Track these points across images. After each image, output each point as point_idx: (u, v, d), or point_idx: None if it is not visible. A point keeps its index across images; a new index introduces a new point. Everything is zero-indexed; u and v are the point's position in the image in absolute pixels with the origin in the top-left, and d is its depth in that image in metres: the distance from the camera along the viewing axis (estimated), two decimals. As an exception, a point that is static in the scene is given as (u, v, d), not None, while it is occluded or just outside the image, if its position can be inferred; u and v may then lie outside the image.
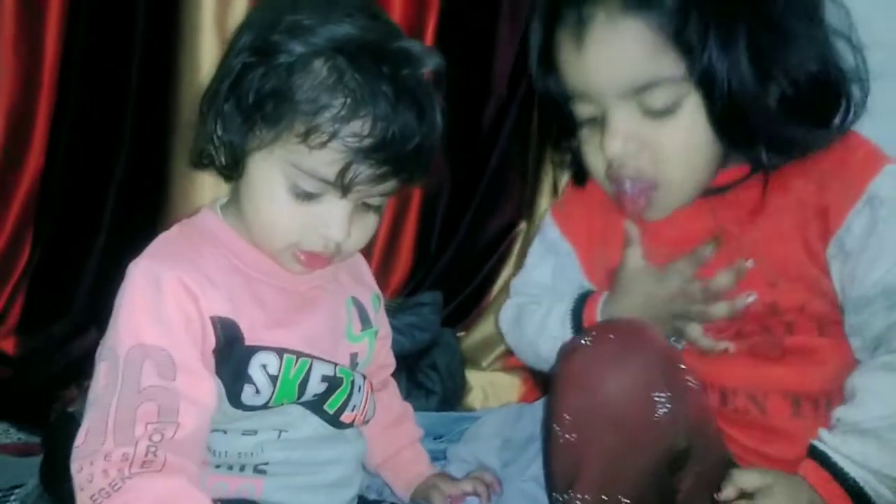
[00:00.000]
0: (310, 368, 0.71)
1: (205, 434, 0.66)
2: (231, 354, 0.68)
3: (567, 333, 0.83)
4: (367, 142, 0.64)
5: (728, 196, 0.78)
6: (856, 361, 0.74)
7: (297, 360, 0.70)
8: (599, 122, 0.76)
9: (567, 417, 0.70)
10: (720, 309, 0.78)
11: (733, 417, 0.78)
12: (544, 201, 1.34)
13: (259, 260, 0.71)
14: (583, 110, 0.77)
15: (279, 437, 0.71)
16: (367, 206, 0.69)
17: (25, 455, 1.09)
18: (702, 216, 0.79)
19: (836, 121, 0.75)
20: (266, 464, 0.71)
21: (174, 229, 0.73)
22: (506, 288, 1.36)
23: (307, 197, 0.66)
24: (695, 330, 0.78)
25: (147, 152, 1.30)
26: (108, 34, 1.25)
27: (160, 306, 0.65)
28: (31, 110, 1.29)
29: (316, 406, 0.73)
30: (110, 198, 1.31)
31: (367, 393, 0.77)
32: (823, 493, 0.67)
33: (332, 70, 0.64)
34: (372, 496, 0.87)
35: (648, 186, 0.76)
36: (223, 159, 0.68)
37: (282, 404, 0.71)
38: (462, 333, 1.36)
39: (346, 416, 0.74)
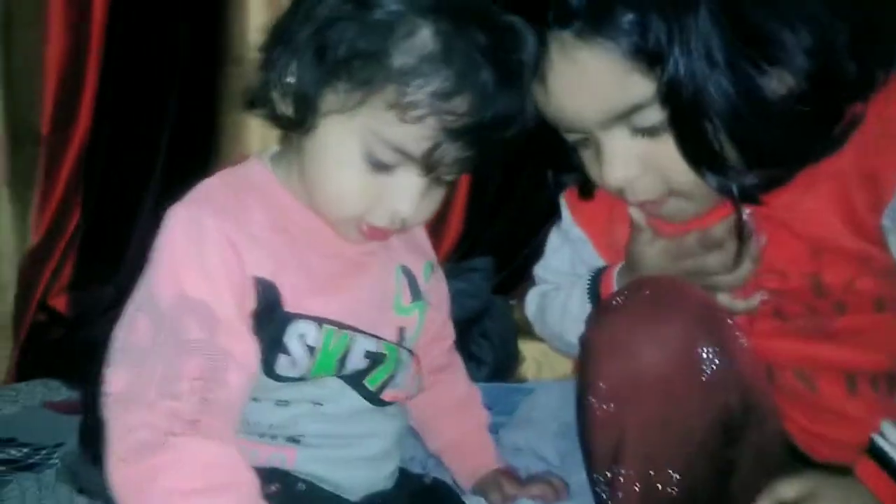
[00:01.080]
0: (351, 342, 0.67)
1: (246, 396, 0.62)
2: (268, 320, 0.64)
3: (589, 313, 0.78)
4: (465, 121, 0.59)
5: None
6: None
7: (337, 332, 0.66)
8: (594, 144, 0.69)
9: (602, 386, 0.65)
10: (737, 306, 0.71)
11: (782, 393, 0.72)
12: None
13: (309, 221, 0.66)
14: (571, 137, 0.70)
15: (314, 409, 0.68)
16: (439, 181, 0.64)
17: (74, 413, 1.09)
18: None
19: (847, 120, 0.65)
20: (301, 435, 0.67)
21: (216, 178, 0.68)
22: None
23: (382, 167, 0.62)
24: (724, 298, 0.71)
25: (195, 115, 1.29)
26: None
27: (203, 256, 0.61)
28: (81, 67, 1.29)
29: (355, 381, 0.68)
30: (160, 157, 1.31)
31: (415, 370, 0.73)
32: (883, 497, 0.60)
33: (437, 37, 0.58)
34: (416, 469, 0.83)
35: (665, 200, 0.69)
36: (289, 111, 0.63)
37: (319, 376, 0.67)
38: (515, 301, 1.31)
39: (387, 395, 0.70)
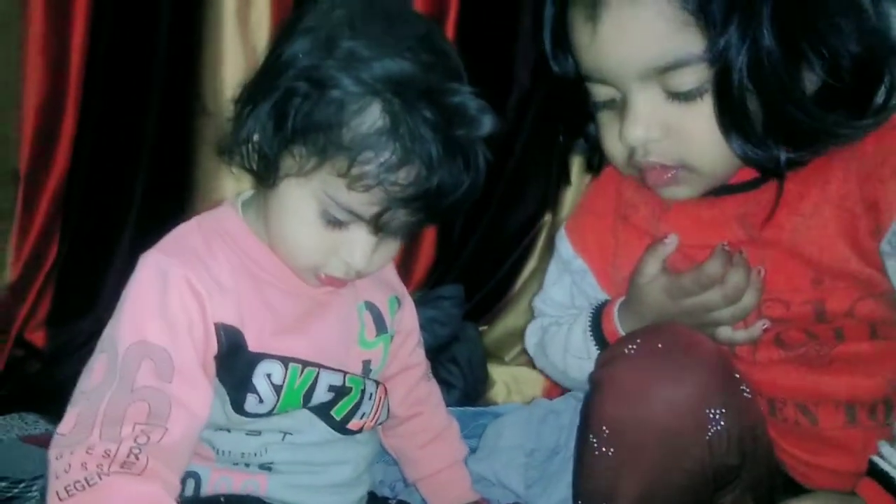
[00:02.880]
0: (316, 378, 0.70)
1: (192, 443, 0.65)
2: (234, 362, 0.67)
3: (592, 351, 0.79)
4: (410, 191, 0.63)
5: (756, 194, 0.72)
6: None
7: (302, 370, 0.69)
8: (619, 106, 0.69)
9: (606, 430, 0.66)
10: (739, 336, 0.72)
11: (783, 427, 0.74)
12: (570, 193, 1.31)
13: (274, 264, 0.70)
14: (600, 93, 0.70)
15: (284, 439, 0.71)
16: (393, 236, 0.68)
17: (52, 447, 1.10)
18: (728, 223, 0.73)
19: (879, 103, 0.66)
20: (272, 462, 0.70)
21: (192, 223, 0.72)
22: (531, 281, 1.34)
23: (336, 224, 0.66)
24: (724, 332, 0.73)
25: (172, 149, 1.31)
26: (133, 31, 1.27)
27: (166, 304, 0.64)
28: (59, 108, 1.30)
29: (322, 411, 0.72)
30: (136, 194, 1.32)
31: (380, 399, 0.76)
32: None
33: (386, 115, 0.62)
34: (385, 492, 0.87)
35: (675, 170, 0.70)
36: (255, 167, 0.67)
37: (286, 411, 0.70)
38: (485, 327, 1.34)
39: (353, 424, 0.73)
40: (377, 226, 0.65)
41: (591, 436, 0.67)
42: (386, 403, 0.77)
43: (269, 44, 0.68)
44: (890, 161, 0.67)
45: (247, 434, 0.70)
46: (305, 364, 0.69)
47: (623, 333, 0.76)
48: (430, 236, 1.36)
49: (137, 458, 0.59)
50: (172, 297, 0.64)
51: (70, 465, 0.59)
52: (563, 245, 0.85)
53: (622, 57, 0.67)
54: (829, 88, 0.65)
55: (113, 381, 0.62)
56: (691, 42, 0.65)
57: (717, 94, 0.66)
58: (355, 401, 0.73)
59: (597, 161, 0.82)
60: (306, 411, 0.71)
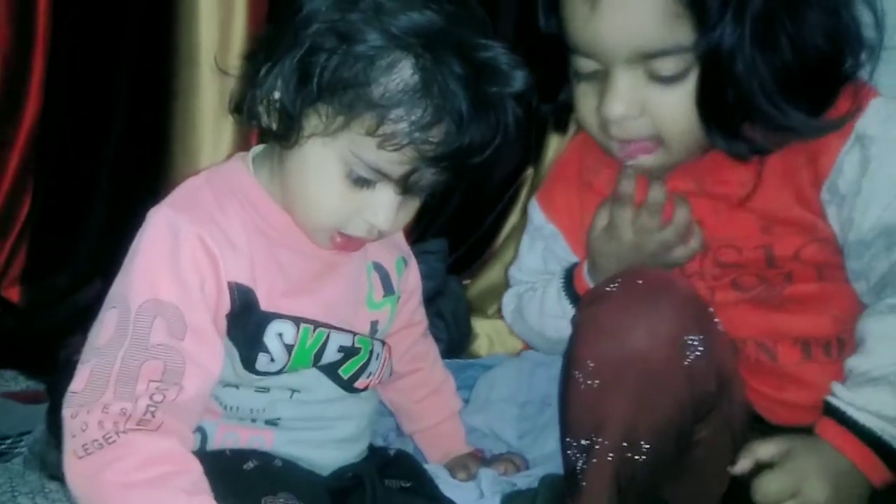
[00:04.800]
0: (327, 338, 0.70)
1: (205, 399, 0.65)
2: (246, 320, 0.67)
3: (567, 308, 0.82)
4: (440, 150, 0.62)
5: (709, 157, 0.74)
6: (863, 304, 0.73)
7: (314, 330, 0.69)
8: (599, 78, 0.71)
9: (590, 364, 0.68)
10: (680, 252, 0.76)
11: (746, 365, 0.78)
12: (552, 146, 1.31)
13: (286, 224, 0.69)
14: (584, 65, 0.72)
15: (291, 396, 0.71)
16: (417, 194, 0.67)
17: (33, 402, 1.09)
18: (682, 178, 0.76)
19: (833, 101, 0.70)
20: (279, 418, 0.71)
21: (201, 178, 0.70)
22: (512, 236, 1.36)
23: (362, 183, 0.64)
24: (678, 252, 0.77)
25: (147, 101, 1.28)
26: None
27: (178, 261, 0.63)
28: (27, 59, 1.26)
29: (330, 370, 0.72)
30: (111, 148, 1.30)
31: (386, 359, 0.77)
32: (844, 449, 0.66)
33: (416, 70, 0.60)
34: (378, 442, 0.88)
35: (645, 141, 0.73)
36: (275, 125, 0.65)
37: (296, 370, 0.70)
38: (468, 281, 1.35)
39: (360, 383, 0.74)
40: (405, 186, 0.64)
41: (576, 372, 0.69)
42: (390, 363, 0.78)
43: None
44: (829, 116, 0.70)
45: (255, 391, 0.70)
46: (316, 324, 0.69)
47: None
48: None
49: (154, 416, 0.60)
50: (184, 255, 0.63)
51: (87, 424, 0.59)
52: (535, 213, 0.88)
53: (616, 38, 0.68)
54: (791, 81, 0.68)
55: (125, 338, 0.61)
56: (682, 33, 0.67)
57: (700, 85, 0.68)
58: (363, 360, 0.73)
59: (565, 124, 0.83)
60: (314, 370, 0.71)
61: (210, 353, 0.64)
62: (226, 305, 0.66)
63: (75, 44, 1.25)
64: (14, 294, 1.32)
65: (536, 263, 0.89)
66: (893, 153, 0.70)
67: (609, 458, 0.68)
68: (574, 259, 0.86)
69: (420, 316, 0.87)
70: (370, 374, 0.74)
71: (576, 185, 0.84)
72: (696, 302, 0.72)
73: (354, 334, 0.73)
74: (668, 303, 0.68)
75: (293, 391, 0.71)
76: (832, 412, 0.68)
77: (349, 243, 0.69)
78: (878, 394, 0.66)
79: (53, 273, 1.32)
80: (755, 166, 0.73)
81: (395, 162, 0.62)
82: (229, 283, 0.65)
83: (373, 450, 0.79)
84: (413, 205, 0.69)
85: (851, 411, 0.66)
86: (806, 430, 0.69)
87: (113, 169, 1.30)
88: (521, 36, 1.18)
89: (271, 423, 0.71)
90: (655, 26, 0.67)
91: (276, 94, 0.63)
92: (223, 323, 0.66)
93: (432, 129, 0.61)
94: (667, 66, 0.68)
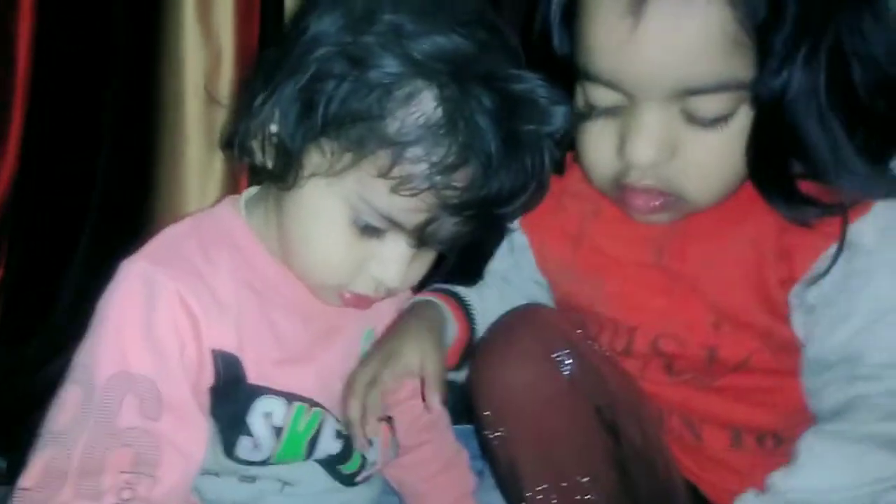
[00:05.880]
0: (322, 422, 0.62)
1: (185, 492, 0.56)
2: (230, 396, 0.59)
3: None
4: (464, 197, 0.54)
5: (673, 224, 0.65)
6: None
7: (309, 409, 0.61)
8: (622, 115, 0.60)
9: (488, 415, 0.64)
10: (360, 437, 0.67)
11: (670, 437, 0.71)
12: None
13: (282, 279, 0.61)
14: (602, 97, 0.60)
15: (282, 489, 0.63)
16: (434, 247, 0.60)
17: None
18: (644, 245, 0.68)
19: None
20: (266, 509, 0.63)
21: (185, 224, 0.62)
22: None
23: (370, 232, 0.57)
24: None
25: (129, 158, 1.24)
26: (85, 32, 1.18)
27: (153, 325, 0.55)
28: (5, 114, 1.21)
29: (329, 466, 0.64)
30: (91, 207, 1.25)
31: (387, 438, 0.69)
32: None
33: (440, 104, 0.52)
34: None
35: (666, 198, 0.63)
36: (271, 163, 0.57)
37: (285, 462, 0.62)
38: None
39: (361, 476, 0.66)
40: (420, 238, 0.56)
41: (484, 431, 0.66)
42: (394, 441, 0.70)
43: (290, 19, 0.57)
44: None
45: (239, 480, 0.61)
46: (312, 403, 0.61)
47: None
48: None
49: None
50: (161, 317, 0.55)
51: None
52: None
53: (658, 69, 0.56)
54: (865, 134, 0.59)
55: (87, 420, 0.53)
56: (740, 66, 0.56)
57: (758, 131, 0.58)
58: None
59: (561, 165, 0.71)
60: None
61: (191, 434, 0.55)
62: (208, 378, 0.58)
63: (57, 94, 1.21)
64: (-19, 363, 1.24)
65: (500, 265, 0.81)
66: (883, 274, 0.60)
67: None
68: (536, 275, 0.79)
69: None
70: (372, 464, 0.66)
71: (555, 201, 0.74)
72: (556, 323, 0.67)
73: None
74: (526, 329, 0.65)
75: (284, 483, 0.62)
76: None
77: (361, 300, 0.61)
78: None
79: (25, 341, 1.25)
80: (723, 243, 0.65)
81: (410, 209, 0.55)
82: (213, 352, 0.57)
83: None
84: (427, 259, 0.61)
85: None
86: None
87: (92, 231, 1.25)
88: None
89: (258, 511, 0.62)
90: (710, 56, 0.55)
91: (274, 127, 0.56)
92: (206, 397, 0.58)
93: (456, 173, 0.53)
94: (710, 106, 0.57)
